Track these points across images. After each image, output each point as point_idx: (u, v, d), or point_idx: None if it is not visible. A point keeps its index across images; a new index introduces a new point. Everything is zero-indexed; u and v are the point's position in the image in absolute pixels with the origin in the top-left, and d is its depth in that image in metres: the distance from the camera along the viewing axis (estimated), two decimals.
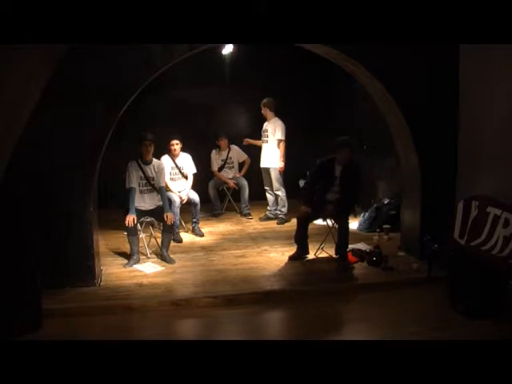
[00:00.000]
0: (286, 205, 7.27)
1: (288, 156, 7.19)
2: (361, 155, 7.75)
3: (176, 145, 6.56)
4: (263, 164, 7.33)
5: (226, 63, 8.09)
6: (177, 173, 6.72)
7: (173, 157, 6.66)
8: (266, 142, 7.22)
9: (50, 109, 4.54)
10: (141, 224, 5.79)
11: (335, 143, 5.56)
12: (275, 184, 7.22)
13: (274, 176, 7.19)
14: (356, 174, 5.56)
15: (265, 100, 7.18)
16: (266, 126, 7.27)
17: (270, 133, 7.15)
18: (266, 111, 7.18)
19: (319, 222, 6.21)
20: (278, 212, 7.33)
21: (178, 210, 6.40)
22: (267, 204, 7.53)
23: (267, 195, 7.47)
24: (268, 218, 7.42)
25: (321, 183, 5.66)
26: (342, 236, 5.42)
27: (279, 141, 7.10)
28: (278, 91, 7.54)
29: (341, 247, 5.44)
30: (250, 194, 7.59)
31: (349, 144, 5.52)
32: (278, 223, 7.23)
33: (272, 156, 7.16)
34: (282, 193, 7.25)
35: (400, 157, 5.86)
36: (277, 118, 7.16)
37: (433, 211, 5.35)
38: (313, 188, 5.74)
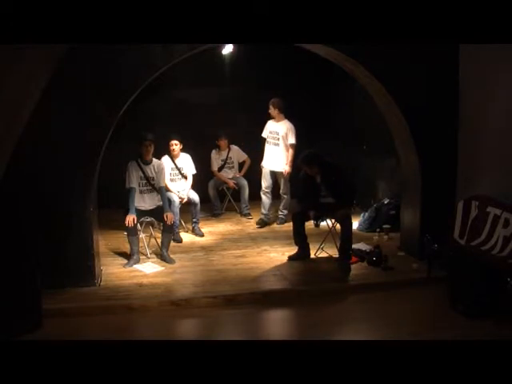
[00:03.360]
0: (288, 207, 7.17)
1: None
2: (361, 155, 7.78)
3: (175, 145, 6.55)
4: (272, 167, 7.05)
5: (225, 63, 8.08)
6: (177, 173, 6.72)
7: (173, 157, 6.66)
8: (277, 144, 6.95)
9: (50, 109, 4.54)
10: (141, 224, 5.79)
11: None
12: (285, 187, 7.06)
13: (285, 179, 7.02)
14: (337, 174, 5.54)
15: (274, 100, 6.92)
16: (274, 127, 7.00)
17: (281, 135, 6.90)
18: (275, 111, 6.92)
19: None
20: (280, 213, 7.21)
21: (177, 210, 6.40)
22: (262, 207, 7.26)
23: (264, 198, 7.16)
24: (265, 223, 7.15)
25: (310, 192, 5.63)
26: (344, 237, 5.40)
27: (292, 145, 6.88)
28: (277, 91, 7.52)
29: (344, 248, 5.43)
30: (250, 194, 7.57)
31: (304, 162, 5.51)
32: (277, 223, 7.18)
33: (283, 159, 6.95)
34: (288, 196, 7.09)
35: (400, 157, 5.86)
36: (286, 120, 6.96)
37: (433, 211, 5.35)
38: (305, 197, 5.70)
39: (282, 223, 7.15)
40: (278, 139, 6.93)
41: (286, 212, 7.17)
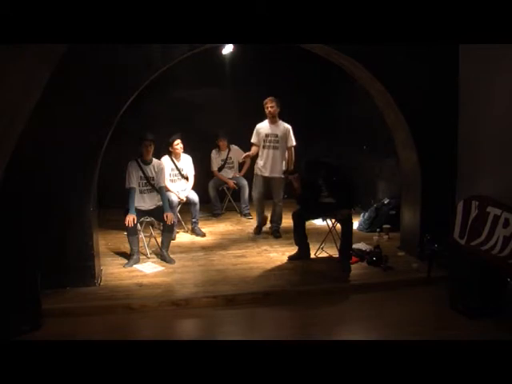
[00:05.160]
0: (281, 216, 6.71)
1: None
2: (361, 155, 7.78)
3: (180, 143, 6.59)
4: (270, 173, 6.46)
5: (226, 63, 8.10)
6: (176, 174, 6.72)
7: (174, 158, 6.66)
8: (276, 147, 6.40)
9: (50, 109, 4.54)
10: (141, 224, 5.79)
11: None
12: (281, 194, 6.57)
13: (282, 185, 6.54)
14: (338, 175, 5.52)
15: (274, 98, 6.43)
16: (271, 129, 6.44)
17: (280, 138, 6.39)
18: (277, 110, 6.40)
19: (319, 222, 6.21)
20: (275, 225, 6.71)
21: (175, 210, 6.39)
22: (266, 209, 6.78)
23: (258, 206, 6.68)
24: (260, 229, 6.78)
25: (310, 193, 5.57)
26: (345, 238, 5.40)
27: (292, 147, 6.49)
28: (277, 91, 7.50)
29: (344, 249, 5.43)
30: (250, 194, 7.57)
31: (308, 170, 5.51)
32: (276, 236, 6.61)
33: (282, 164, 6.46)
34: (281, 204, 6.61)
35: (400, 156, 5.86)
36: (282, 121, 6.52)
37: (433, 211, 5.35)
38: (305, 197, 5.62)
39: (279, 236, 6.60)
40: (278, 142, 6.42)
41: (280, 222, 6.69)
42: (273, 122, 6.46)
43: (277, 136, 6.43)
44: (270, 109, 6.39)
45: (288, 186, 6.92)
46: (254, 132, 6.61)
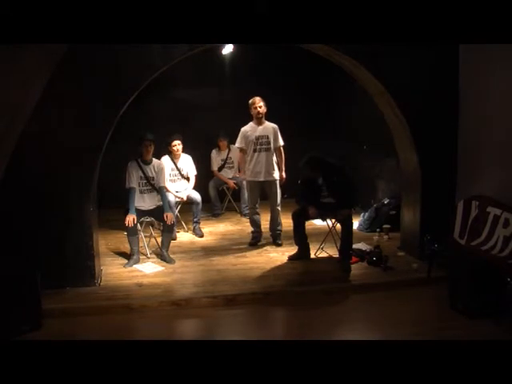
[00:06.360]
0: (280, 220, 6.36)
1: (288, 158, 6.47)
2: (361, 155, 7.78)
3: (178, 145, 6.59)
4: (267, 176, 6.09)
5: (225, 63, 8.10)
6: (176, 174, 6.72)
7: (174, 158, 6.66)
8: (268, 149, 6.07)
9: (50, 109, 4.54)
10: (141, 224, 5.79)
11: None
12: (278, 197, 6.22)
13: (279, 188, 6.22)
14: (338, 175, 5.50)
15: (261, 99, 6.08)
16: (260, 130, 6.07)
17: (271, 139, 6.08)
18: (264, 110, 6.06)
19: (319, 222, 6.21)
20: (277, 232, 6.33)
21: (174, 210, 6.38)
22: (263, 218, 6.47)
23: (255, 216, 6.31)
24: (259, 241, 6.36)
25: (310, 193, 5.54)
26: (345, 238, 5.41)
27: (281, 147, 6.23)
28: (277, 91, 7.53)
29: (344, 249, 5.43)
30: None
31: (308, 167, 5.45)
32: (279, 244, 6.27)
33: (275, 166, 6.16)
34: (280, 208, 6.26)
35: (400, 157, 5.86)
36: (268, 122, 6.18)
37: (433, 211, 5.35)
38: (305, 197, 5.57)
39: (280, 244, 6.27)
40: (269, 143, 6.07)
41: (280, 228, 6.34)
42: (260, 123, 6.08)
43: (268, 137, 6.08)
44: (259, 109, 5.99)
45: (288, 186, 6.94)
46: (241, 136, 6.18)
